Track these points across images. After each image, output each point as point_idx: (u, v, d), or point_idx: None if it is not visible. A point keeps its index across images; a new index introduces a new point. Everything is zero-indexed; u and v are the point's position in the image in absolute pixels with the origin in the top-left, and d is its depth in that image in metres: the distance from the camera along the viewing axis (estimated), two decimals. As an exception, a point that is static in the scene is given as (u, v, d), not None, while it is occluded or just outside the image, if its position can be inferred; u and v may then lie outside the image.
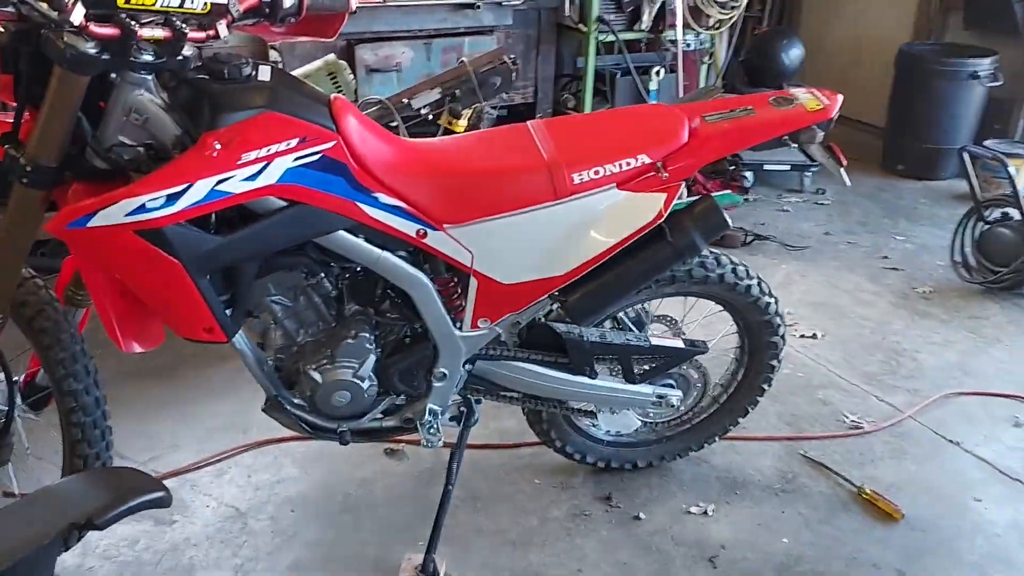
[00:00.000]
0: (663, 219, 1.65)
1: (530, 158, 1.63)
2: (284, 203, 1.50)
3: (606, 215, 1.65)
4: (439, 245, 1.63)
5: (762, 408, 2.24)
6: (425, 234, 1.62)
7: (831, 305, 3.23)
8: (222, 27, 1.45)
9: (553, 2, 3.79)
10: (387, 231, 1.59)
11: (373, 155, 1.56)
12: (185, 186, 1.39)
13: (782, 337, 2.07)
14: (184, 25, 1.38)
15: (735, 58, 4.76)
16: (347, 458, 2.25)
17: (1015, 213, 3.23)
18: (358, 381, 1.73)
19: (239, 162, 1.42)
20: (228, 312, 1.58)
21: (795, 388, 2.66)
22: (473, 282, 1.69)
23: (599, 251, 1.67)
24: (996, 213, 3.33)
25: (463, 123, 3.39)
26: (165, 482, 2.15)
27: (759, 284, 1.97)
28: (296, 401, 1.78)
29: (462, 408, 1.90)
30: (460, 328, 1.75)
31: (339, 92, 2.57)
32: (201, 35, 1.43)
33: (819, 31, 5.11)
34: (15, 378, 1.83)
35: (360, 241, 1.60)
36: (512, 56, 2.89)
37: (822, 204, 4.29)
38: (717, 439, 2.26)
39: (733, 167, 4.45)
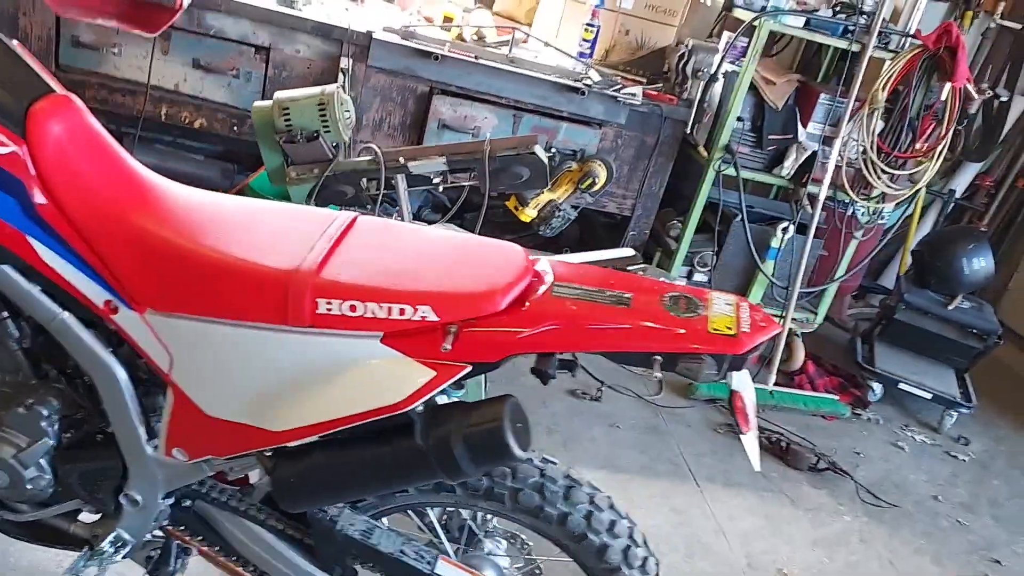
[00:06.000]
0: (410, 408, 1.06)
1: (273, 257, 1.12)
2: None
3: (351, 372, 1.10)
4: (132, 329, 1.17)
5: None
6: (116, 310, 1.16)
7: (875, 600, 2.34)
8: None
9: (683, 114, 3.22)
10: (65, 288, 1.16)
11: (75, 183, 1.14)
12: None
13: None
14: None
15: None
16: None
17: None
18: (17, 465, 1.29)
19: None
20: None
21: None
22: (170, 395, 1.20)
23: (328, 418, 1.11)
24: None
25: (531, 212, 2.91)
26: None
27: (634, 549, 1.28)
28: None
29: (155, 551, 1.39)
30: (156, 449, 1.26)
31: (326, 130, 2.20)
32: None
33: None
34: None
35: (31, 288, 1.17)
36: (553, 151, 2.39)
37: (956, 457, 3.29)
38: None
39: (864, 370, 3.57)
